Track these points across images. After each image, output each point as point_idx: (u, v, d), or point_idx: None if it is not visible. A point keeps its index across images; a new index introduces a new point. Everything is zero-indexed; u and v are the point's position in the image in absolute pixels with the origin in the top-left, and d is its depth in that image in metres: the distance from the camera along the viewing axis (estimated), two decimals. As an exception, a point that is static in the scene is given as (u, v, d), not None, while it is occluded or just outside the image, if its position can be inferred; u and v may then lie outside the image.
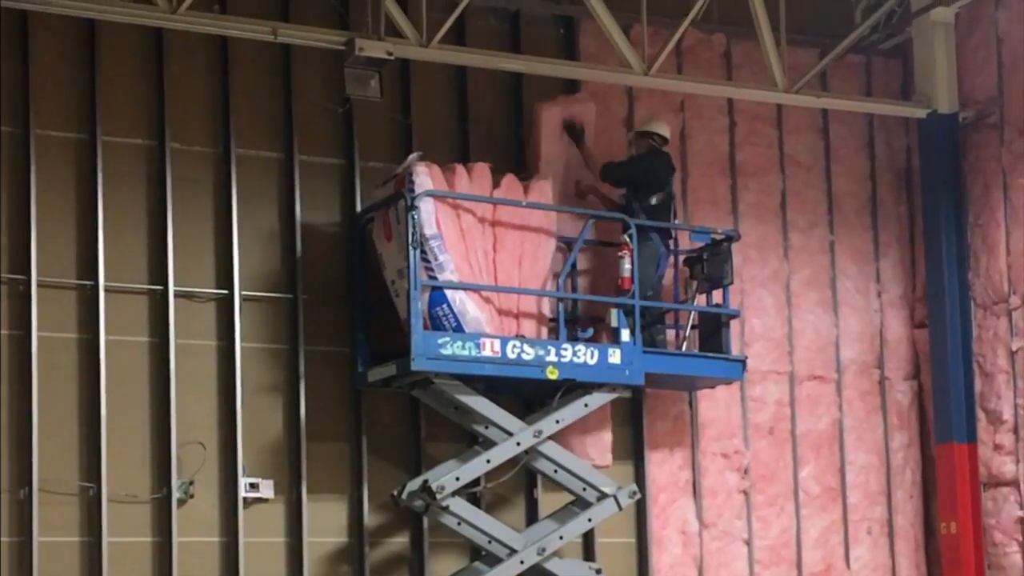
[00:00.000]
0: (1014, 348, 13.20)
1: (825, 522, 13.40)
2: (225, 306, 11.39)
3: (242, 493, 11.20)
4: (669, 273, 12.48)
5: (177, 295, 11.22)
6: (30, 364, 10.72)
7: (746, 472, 13.11)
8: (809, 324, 13.58)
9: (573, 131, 12.18)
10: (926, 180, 13.69)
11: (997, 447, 13.28)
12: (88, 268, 11.02)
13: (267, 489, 11.31)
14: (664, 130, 12.23)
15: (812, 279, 13.66)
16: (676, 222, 12.35)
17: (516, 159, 12.48)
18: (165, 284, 11.19)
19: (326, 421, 11.57)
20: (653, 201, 11.94)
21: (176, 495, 11.02)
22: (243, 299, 11.42)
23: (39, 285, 10.82)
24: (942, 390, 13.41)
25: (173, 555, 10.95)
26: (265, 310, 11.52)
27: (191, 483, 11.09)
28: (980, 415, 13.36)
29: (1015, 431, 13.17)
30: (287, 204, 11.71)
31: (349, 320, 11.62)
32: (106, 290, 11.00)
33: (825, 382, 13.59)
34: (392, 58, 11.20)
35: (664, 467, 12.78)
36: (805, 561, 13.24)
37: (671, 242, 12.21)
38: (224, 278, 11.42)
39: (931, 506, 13.74)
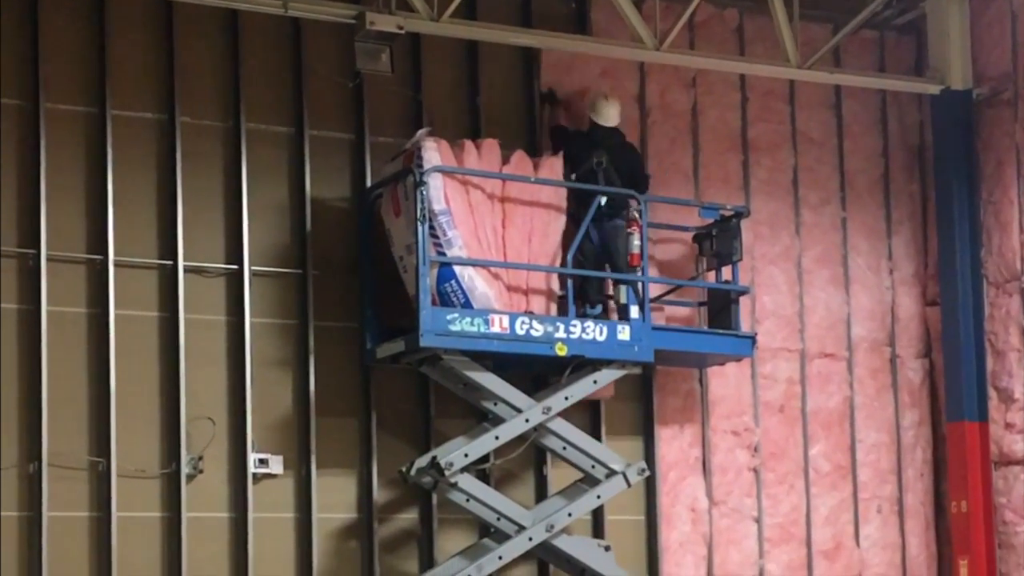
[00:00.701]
0: (1026, 326, 13.20)
1: (835, 500, 13.38)
2: (235, 281, 11.37)
3: (251, 468, 11.20)
4: (675, 248, 12.46)
5: (186, 270, 11.19)
6: (39, 338, 10.70)
7: (756, 450, 13.09)
8: (820, 301, 13.54)
9: (550, 98, 12.26)
10: (939, 157, 13.63)
11: (1008, 425, 13.26)
12: (97, 242, 11.00)
13: (276, 464, 11.30)
14: (601, 117, 11.97)
15: (824, 256, 13.61)
16: (668, 196, 12.45)
17: (527, 134, 12.44)
18: (175, 259, 11.16)
19: (335, 397, 11.56)
20: (572, 177, 11.84)
21: (185, 470, 11.02)
22: (252, 274, 11.39)
23: (48, 259, 10.80)
24: (953, 368, 13.38)
25: (182, 530, 10.95)
26: (274, 285, 11.50)
27: (200, 458, 11.08)
28: (991, 393, 13.33)
29: (1026, 409, 13.17)
30: (297, 179, 11.67)
31: (358, 296, 11.60)
32: (115, 264, 10.98)
33: (836, 360, 13.55)
34: (403, 32, 11.16)
35: (674, 444, 12.76)
36: (815, 539, 13.23)
37: (622, 211, 11.80)
38: (234, 253, 11.39)
39: (941, 485, 13.72)
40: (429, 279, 10.88)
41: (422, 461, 11.18)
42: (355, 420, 11.64)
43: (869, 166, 13.92)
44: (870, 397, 13.65)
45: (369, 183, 11.78)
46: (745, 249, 12.49)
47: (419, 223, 10.82)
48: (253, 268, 11.40)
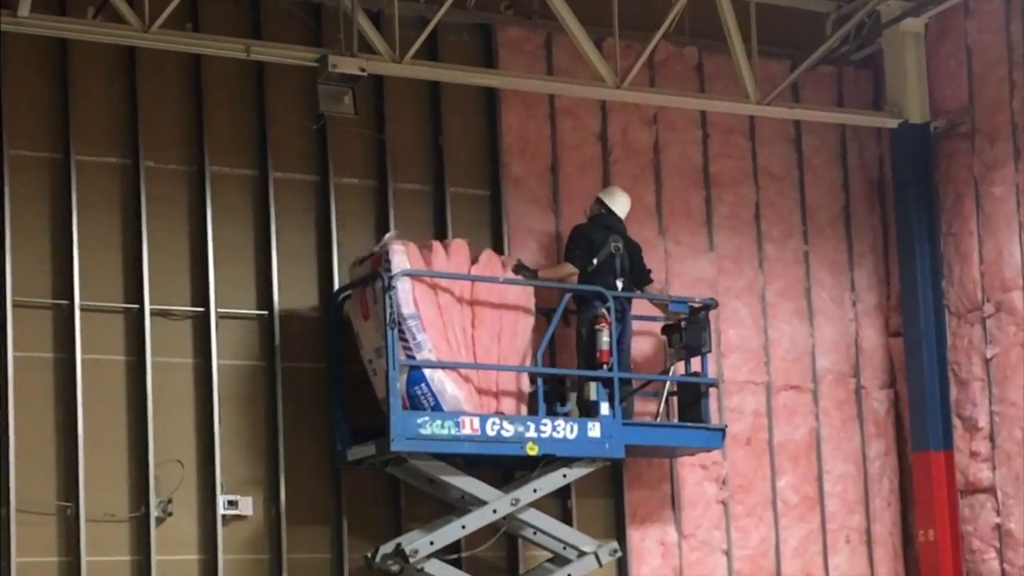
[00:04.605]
0: (988, 355, 13.23)
1: (804, 531, 13.42)
2: (201, 323, 11.39)
3: (220, 511, 11.19)
4: (644, 340, 12.53)
5: (153, 313, 11.21)
6: (6, 384, 10.68)
7: (724, 483, 13.13)
8: (785, 334, 13.61)
9: (524, 270, 11.88)
10: (899, 190, 13.74)
11: (973, 454, 13.31)
12: (63, 287, 11.00)
13: (246, 506, 11.29)
14: (616, 205, 12.14)
15: (787, 289, 13.69)
16: (657, 292, 12.39)
17: (489, 176, 12.51)
18: (141, 302, 11.18)
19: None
20: (592, 264, 11.84)
21: (154, 513, 10.99)
22: (219, 316, 11.40)
23: (14, 305, 10.79)
24: (918, 398, 13.44)
25: (152, 573, 10.92)
26: (240, 327, 11.49)
27: (169, 501, 11.06)
28: (956, 423, 13.39)
29: (991, 438, 13.19)
30: (262, 220, 11.69)
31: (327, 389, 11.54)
32: (81, 309, 10.99)
33: (801, 392, 13.62)
34: (365, 74, 11.20)
35: (642, 477, 12.78)
36: (784, 571, 13.26)
37: (625, 303, 11.97)
38: (200, 296, 11.41)
39: (909, 514, 13.76)
40: (399, 383, 10.79)
41: (387, 547, 11.07)
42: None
43: (830, 200, 14.01)
44: (836, 428, 13.71)
45: (334, 225, 11.80)
46: (708, 283, 12.53)
47: (388, 328, 10.75)
48: (219, 310, 11.39)
